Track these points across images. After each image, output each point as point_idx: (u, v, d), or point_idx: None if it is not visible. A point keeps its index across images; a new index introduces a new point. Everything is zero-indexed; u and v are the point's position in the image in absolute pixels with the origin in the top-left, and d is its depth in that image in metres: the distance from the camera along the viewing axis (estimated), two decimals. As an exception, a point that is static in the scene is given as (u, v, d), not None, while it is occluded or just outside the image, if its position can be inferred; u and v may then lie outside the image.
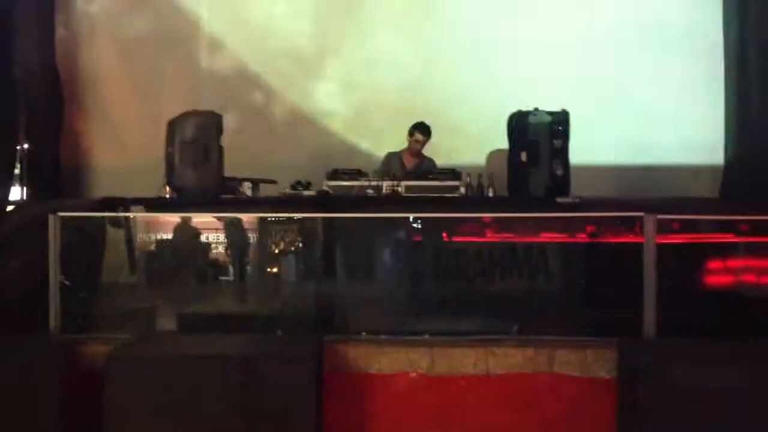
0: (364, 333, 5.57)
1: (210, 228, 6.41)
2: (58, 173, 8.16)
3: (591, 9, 8.43)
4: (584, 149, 7.13)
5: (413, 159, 7.44)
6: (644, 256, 5.52)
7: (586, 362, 5.32)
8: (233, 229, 6.36)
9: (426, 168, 7.28)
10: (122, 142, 8.49)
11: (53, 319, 5.54)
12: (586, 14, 8.42)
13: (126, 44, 8.57)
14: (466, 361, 5.34)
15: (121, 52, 8.59)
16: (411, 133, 7.43)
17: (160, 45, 8.60)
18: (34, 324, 5.59)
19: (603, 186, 7.54)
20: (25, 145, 7.74)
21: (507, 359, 5.32)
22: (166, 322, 5.85)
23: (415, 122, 7.50)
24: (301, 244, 6.27)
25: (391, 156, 7.54)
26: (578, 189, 6.81)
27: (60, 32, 8.40)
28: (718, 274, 6.20)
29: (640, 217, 5.64)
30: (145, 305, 5.92)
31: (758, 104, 7.64)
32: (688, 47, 8.29)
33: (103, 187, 7.92)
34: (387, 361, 5.35)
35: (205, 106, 7.27)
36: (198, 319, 5.81)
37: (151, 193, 6.72)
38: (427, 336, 5.53)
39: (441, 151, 7.85)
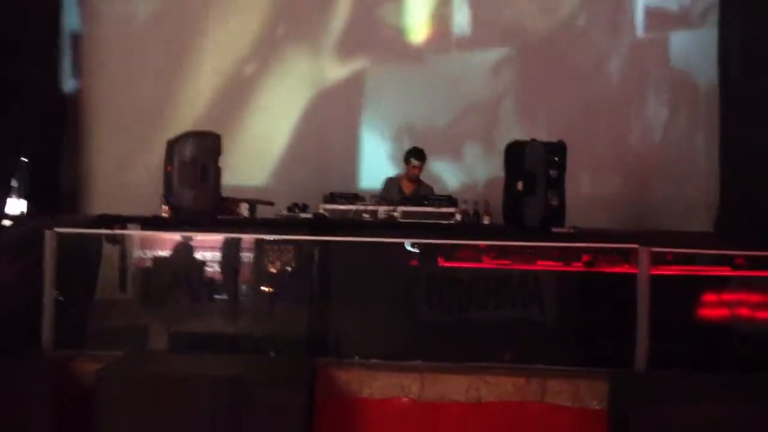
0: (356, 357, 5.57)
1: (206, 247, 6.41)
2: (57, 188, 8.20)
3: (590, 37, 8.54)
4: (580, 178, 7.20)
5: (411, 185, 7.48)
6: (638, 288, 5.55)
7: (578, 392, 5.33)
8: (229, 249, 6.36)
9: (424, 194, 7.31)
10: (121, 159, 8.53)
11: (46, 335, 5.54)
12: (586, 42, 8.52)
13: (129, 64, 8.62)
14: (457, 387, 5.34)
15: (124, 72, 8.63)
16: (407, 160, 7.48)
17: (164, 65, 8.65)
18: (27, 339, 5.58)
19: (598, 217, 7.57)
20: (25, 160, 7.79)
21: (498, 387, 5.33)
22: (158, 340, 5.85)
23: (410, 148, 7.55)
24: (296, 266, 6.27)
25: (390, 181, 7.59)
26: (572, 218, 6.84)
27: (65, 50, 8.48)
28: (712, 308, 6.20)
29: (635, 250, 5.68)
30: (138, 323, 5.92)
31: (753, 139, 7.69)
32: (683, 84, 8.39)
33: (100, 203, 7.93)
34: (378, 385, 5.35)
35: (204, 126, 7.32)
36: (190, 338, 5.81)
37: (148, 210, 6.74)
38: (419, 361, 5.54)
39: (437, 178, 7.93)
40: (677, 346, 5.67)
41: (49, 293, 5.61)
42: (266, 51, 8.65)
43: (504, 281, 6.04)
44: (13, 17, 7.32)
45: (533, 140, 7.02)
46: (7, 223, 6.96)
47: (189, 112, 8.47)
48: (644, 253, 5.67)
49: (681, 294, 6.03)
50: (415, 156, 7.45)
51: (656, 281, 5.63)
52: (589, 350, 5.72)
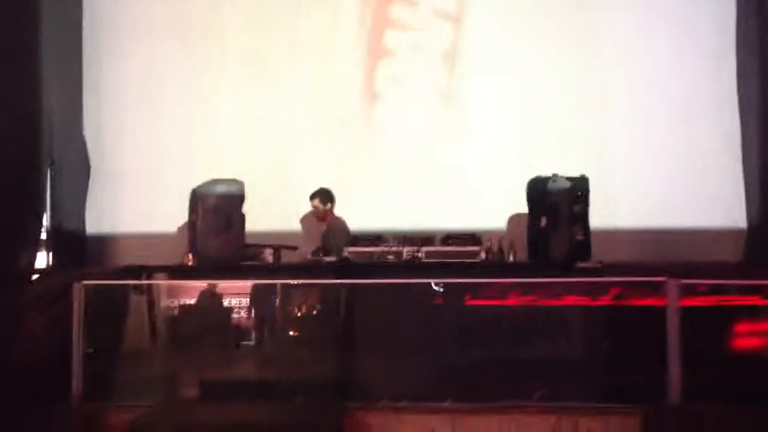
0: (385, 400, 5.53)
1: (232, 294, 6.43)
2: (83, 240, 8.25)
3: (607, 71, 8.47)
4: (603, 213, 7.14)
5: (323, 222, 7.41)
6: (668, 320, 5.49)
7: (610, 430, 5.24)
8: (254, 296, 6.37)
9: (334, 230, 7.21)
10: (147, 208, 8.57)
11: (76, 388, 5.56)
12: (604, 75, 8.46)
13: (152, 111, 8.69)
14: (488, 428, 5.29)
15: (147, 119, 8.71)
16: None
17: (186, 112, 8.72)
18: (57, 392, 5.61)
19: (623, 250, 7.49)
20: (50, 213, 7.87)
21: (529, 427, 5.27)
22: (188, 389, 5.85)
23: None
24: (321, 310, 6.27)
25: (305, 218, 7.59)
26: (598, 253, 6.79)
27: (87, 99, 8.56)
28: (743, 338, 6.11)
29: (663, 282, 5.63)
30: (167, 372, 5.93)
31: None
32: (706, 108, 8.31)
33: (127, 254, 7.96)
34: (409, 429, 5.32)
35: (227, 173, 7.35)
36: (219, 385, 5.80)
37: (175, 259, 6.77)
38: (448, 402, 5.49)
39: (461, 215, 7.90)
40: (711, 377, 5.58)
41: (78, 346, 5.64)
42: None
43: (532, 318, 6.00)
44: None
45: (555, 175, 7.00)
46: (34, 276, 7.02)
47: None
48: (673, 286, 5.63)
49: (713, 324, 5.95)
50: (313, 197, 7.43)
51: (687, 312, 5.57)
52: (622, 385, 5.63)
